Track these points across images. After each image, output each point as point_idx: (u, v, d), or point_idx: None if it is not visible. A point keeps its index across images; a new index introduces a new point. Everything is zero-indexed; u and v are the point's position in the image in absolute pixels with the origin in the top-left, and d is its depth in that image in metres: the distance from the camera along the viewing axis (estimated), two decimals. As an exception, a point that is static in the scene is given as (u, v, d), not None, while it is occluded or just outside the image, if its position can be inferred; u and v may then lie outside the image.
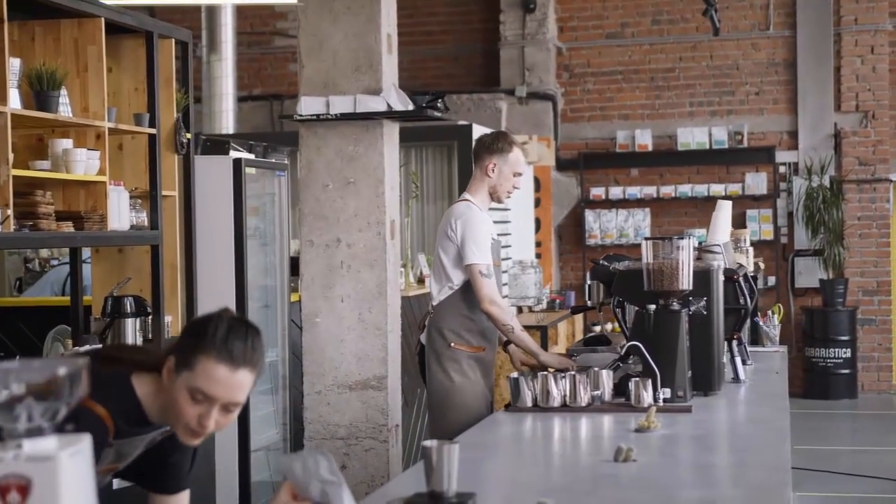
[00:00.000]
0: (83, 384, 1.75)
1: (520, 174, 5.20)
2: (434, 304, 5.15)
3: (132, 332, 5.29)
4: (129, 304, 5.31)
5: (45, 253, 8.54)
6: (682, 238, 4.33)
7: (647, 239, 4.37)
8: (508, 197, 5.27)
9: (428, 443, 2.66)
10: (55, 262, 8.33)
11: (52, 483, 1.69)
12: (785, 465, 3.15)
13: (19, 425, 1.71)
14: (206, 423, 2.52)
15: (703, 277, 4.43)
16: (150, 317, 5.45)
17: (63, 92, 4.80)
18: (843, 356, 11.94)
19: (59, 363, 1.74)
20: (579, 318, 10.77)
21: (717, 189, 12.29)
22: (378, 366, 5.45)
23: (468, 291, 5.02)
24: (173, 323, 5.73)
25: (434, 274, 5.22)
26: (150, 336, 5.49)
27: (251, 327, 2.60)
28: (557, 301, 10.47)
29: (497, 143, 5.18)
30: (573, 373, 4.23)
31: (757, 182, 12.35)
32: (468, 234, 4.98)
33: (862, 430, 10.88)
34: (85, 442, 1.76)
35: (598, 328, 9.95)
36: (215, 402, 2.51)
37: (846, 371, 11.97)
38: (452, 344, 5.04)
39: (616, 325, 5.58)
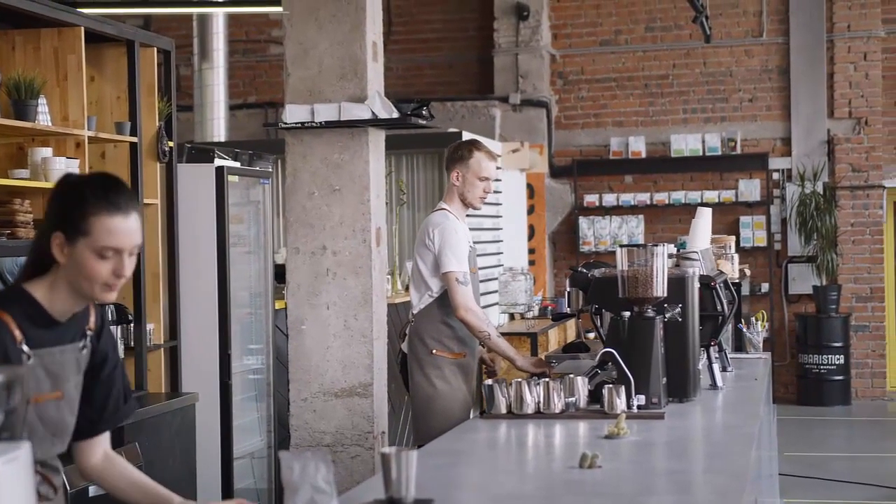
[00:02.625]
0: (21, 392, 1.77)
1: (486, 178, 5.23)
2: (414, 312, 5.23)
3: (113, 339, 5.30)
4: (110, 312, 5.32)
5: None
6: (657, 245, 4.33)
7: (622, 246, 4.38)
8: (483, 201, 5.30)
9: (386, 450, 2.69)
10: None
11: (-13, 490, 1.70)
12: (745, 471, 3.15)
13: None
14: (121, 272, 2.62)
15: (677, 284, 4.44)
16: (132, 324, 5.46)
17: (42, 101, 4.82)
18: (837, 363, 11.93)
19: (-5, 371, 1.76)
20: (572, 324, 10.77)
21: (711, 196, 12.29)
22: (364, 373, 5.46)
23: (447, 299, 5.07)
24: (155, 330, 5.74)
25: (413, 282, 5.29)
26: (132, 344, 5.50)
27: (114, 177, 2.71)
28: (550, 308, 10.47)
29: (457, 151, 5.26)
30: (547, 380, 4.24)
31: (750, 189, 12.35)
32: (445, 243, 5.05)
33: (855, 437, 10.87)
34: (23, 450, 1.77)
35: (592, 335, 9.94)
36: (122, 252, 2.62)
37: (840, 377, 11.97)
38: (434, 351, 5.12)
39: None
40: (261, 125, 12.84)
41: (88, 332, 2.77)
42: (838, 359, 11.93)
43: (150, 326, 5.65)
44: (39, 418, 2.63)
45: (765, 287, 12.27)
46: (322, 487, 2.40)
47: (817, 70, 12.31)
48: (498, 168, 8.78)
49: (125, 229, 2.60)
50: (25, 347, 2.59)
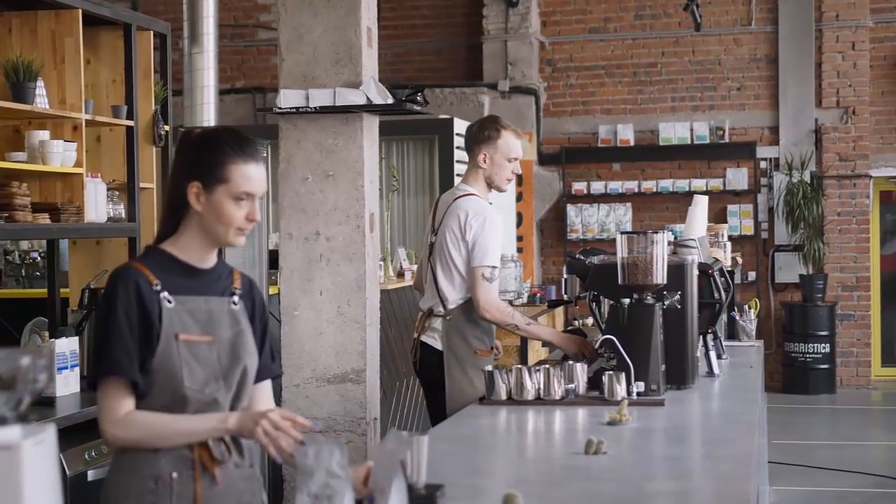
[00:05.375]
0: (46, 374, 1.76)
1: (515, 159, 4.98)
2: (450, 306, 4.96)
3: (109, 324, 5.28)
4: (100, 297, 5.29)
5: (24, 245, 8.52)
6: (657, 233, 4.34)
7: (622, 233, 4.38)
8: (509, 183, 5.10)
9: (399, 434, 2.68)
10: (35, 255, 8.30)
11: (15, 472, 1.70)
12: (749, 457, 3.17)
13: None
14: (252, 216, 2.87)
15: (677, 272, 4.45)
16: (127, 309, 5.44)
17: (39, 83, 4.79)
18: (823, 351, 12.00)
19: (22, 353, 1.75)
20: (560, 312, 10.80)
21: (699, 184, 12.33)
22: (357, 359, 5.45)
23: None
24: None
25: (445, 276, 4.98)
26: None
27: (242, 131, 2.94)
28: (538, 295, 10.49)
29: (483, 131, 4.99)
30: (548, 367, 4.24)
31: (738, 177, 12.39)
32: (482, 235, 4.84)
33: (840, 425, 10.93)
34: (49, 431, 1.77)
35: (577, 322, 9.97)
36: (254, 198, 2.88)
37: (825, 366, 12.04)
38: (477, 351, 4.93)
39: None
40: (248, 110, 12.87)
41: (236, 291, 2.95)
42: (824, 347, 12.00)
43: (144, 311, 5.63)
44: (193, 356, 2.82)
45: (752, 276, 12.32)
46: (336, 472, 2.40)
47: (805, 59, 12.35)
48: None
49: (259, 176, 2.86)
50: (165, 293, 2.80)
